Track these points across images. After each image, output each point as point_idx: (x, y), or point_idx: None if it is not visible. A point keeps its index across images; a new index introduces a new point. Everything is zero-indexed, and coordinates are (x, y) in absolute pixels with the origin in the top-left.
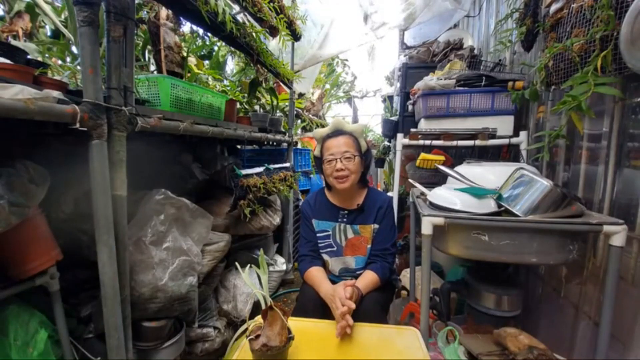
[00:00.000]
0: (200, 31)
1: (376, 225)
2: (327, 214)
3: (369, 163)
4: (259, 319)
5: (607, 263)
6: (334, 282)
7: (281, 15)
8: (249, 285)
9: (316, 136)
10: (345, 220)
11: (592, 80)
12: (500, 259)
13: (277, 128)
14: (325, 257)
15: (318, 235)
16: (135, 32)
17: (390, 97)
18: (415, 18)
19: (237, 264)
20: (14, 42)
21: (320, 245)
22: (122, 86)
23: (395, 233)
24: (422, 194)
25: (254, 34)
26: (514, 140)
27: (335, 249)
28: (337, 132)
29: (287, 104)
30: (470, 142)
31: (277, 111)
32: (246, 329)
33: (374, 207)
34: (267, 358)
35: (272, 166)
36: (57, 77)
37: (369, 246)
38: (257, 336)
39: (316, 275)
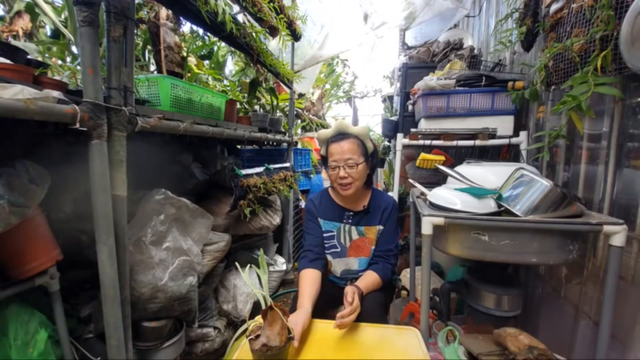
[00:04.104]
0: (200, 31)
1: (381, 227)
2: (332, 215)
3: (375, 164)
4: (259, 318)
5: (607, 263)
6: (335, 284)
7: (281, 15)
8: (249, 285)
9: (320, 138)
10: (350, 221)
11: (592, 80)
12: (500, 259)
13: (277, 128)
14: (329, 257)
15: (323, 235)
16: (135, 32)
17: (390, 97)
18: (415, 17)
19: (237, 264)
20: (14, 42)
21: (324, 246)
22: (122, 86)
23: (398, 234)
24: (422, 194)
25: (254, 34)
26: (514, 140)
27: (339, 250)
28: (341, 136)
29: (287, 104)
30: (470, 142)
31: (277, 111)
32: (246, 329)
33: (379, 209)
34: (267, 358)
35: (272, 166)
36: (57, 77)
37: (373, 247)
38: (257, 336)
39: (303, 283)
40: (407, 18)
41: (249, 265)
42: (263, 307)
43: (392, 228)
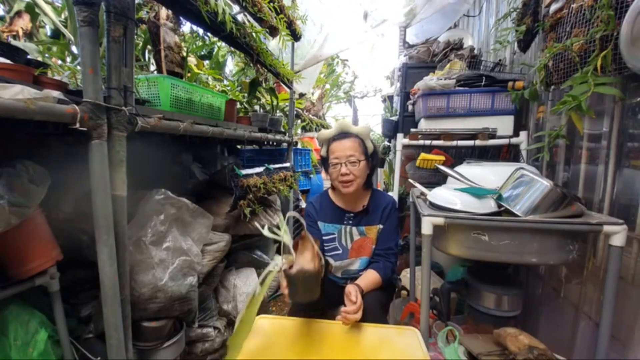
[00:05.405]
0: (200, 31)
1: (381, 226)
2: (333, 217)
3: (375, 164)
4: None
5: (607, 263)
6: (335, 283)
7: (281, 15)
8: (270, 236)
9: (321, 138)
10: (351, 222)
11: (592, 80)
12: (500, 259)
13: (277, 128)
14: (330, 260)
15: (323, 238)
16: (135, 32)
17: (390, 97)
18: (416, 14)
19: (263, 227)
20: (14, 42)
21: (325, 248)
22: (122, 86)
23: (399, 233)
24: (422, 194)
25: (253, 34)
26: (514, 140)
27: (340, 252)
28: (343, 135)
29: (287, 104)
30: (470, 142)
31: (277, 111)
32: (269, 272)
33: (379, 208)
34: (305, 281)
35: (272, 166)
36: (57, 77)
37: (374, 247)
38: (291, 267)
39: None
40: (407, 14)
41: (266, 226)
42: (288, 257)
43: (392, 226)
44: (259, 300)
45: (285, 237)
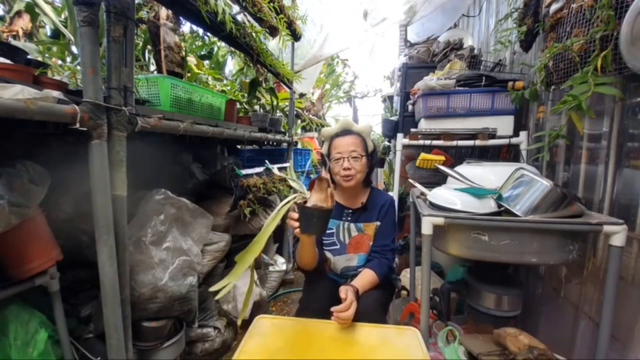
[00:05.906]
0: (200, 31)
1: (378, 223)
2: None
3: (374, 163)
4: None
5: (607, 263)
6: (336, 282)
7: (281, 15)
8: (289, 178)
9: (324, 134)
10: (349, 219)
11: (592, 80)
12: (500, 259)
13: (277, 128)
14: (329, 255)
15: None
16: (135, 32)
17: (390, 97)
18: (416, 12)
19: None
20: (14, 42)
21: (324, 243)
22: (122, 86)
23: (396, 230)
24: (422, 194)
25: (253, 34)
26: (514, 140)
27: (338, 247)
28: (346, 132)
29: (287, 104)
30: (470, 142)
31: (277, 111)
32: (289, 201)
33: (377, 206)
34: (317, 217)
35: (272, 166)
36: (57, 77)
37: (371, 243)
38: (304, 202)
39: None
40: (407, 12)
41: (276, 166)
42: (301, 193)
43: (390, 224)
44: (273, 224)
45: (294, 181)
